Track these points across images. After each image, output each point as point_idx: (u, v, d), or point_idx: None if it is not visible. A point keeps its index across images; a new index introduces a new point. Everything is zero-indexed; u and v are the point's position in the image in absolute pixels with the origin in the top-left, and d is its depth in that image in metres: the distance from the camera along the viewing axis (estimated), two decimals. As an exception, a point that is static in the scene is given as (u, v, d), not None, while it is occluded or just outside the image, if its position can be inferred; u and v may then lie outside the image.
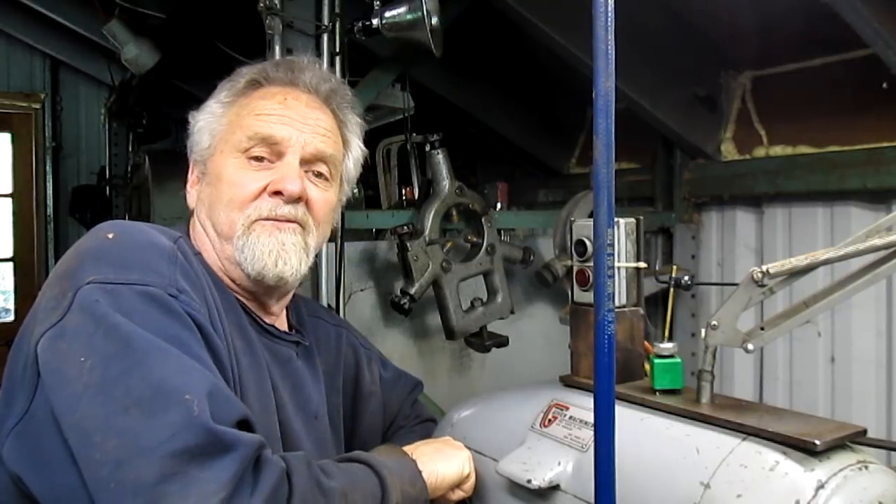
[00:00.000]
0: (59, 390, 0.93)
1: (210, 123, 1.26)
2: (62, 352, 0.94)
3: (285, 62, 1.34)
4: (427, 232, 2.19)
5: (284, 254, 1.20)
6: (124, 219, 4.52)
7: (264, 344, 1.24)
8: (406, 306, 2.14)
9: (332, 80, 1.33)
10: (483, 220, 2.34)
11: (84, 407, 0.91)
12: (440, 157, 2.28)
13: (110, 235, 1.06)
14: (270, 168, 1.21)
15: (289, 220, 1.21)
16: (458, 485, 1.30)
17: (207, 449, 0.90)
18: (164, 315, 0.99)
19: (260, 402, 1.15)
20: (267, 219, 1.20)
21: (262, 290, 1.25)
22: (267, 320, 1.28)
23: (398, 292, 2.17)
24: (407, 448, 1.29)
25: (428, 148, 2.29)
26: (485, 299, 2.35)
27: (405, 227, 2.15)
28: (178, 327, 0.99)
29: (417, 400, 1.61)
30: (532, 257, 2.48)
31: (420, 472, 1.20)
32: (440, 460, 1.27)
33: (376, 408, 1.50)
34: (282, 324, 1.35)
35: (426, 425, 1.54)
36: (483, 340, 2.33)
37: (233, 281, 1.24)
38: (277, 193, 1.20)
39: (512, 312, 2.39)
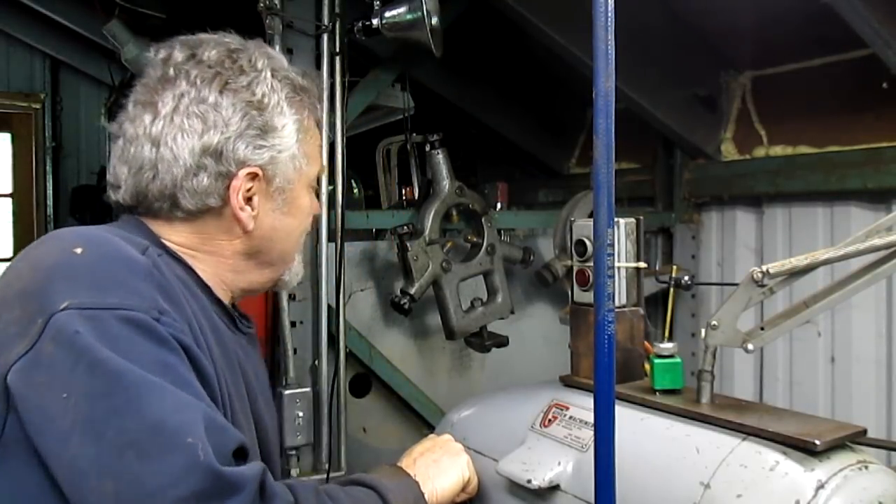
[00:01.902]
0: (44, 429, 0.86)
1: (292, 149, 1.17)
2: (40, 386, 0.86)
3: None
4: (427, 232, 2.19)
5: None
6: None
7: (232, 339, 1.19)
8: (406, 306, 2.14)
9: None
10: (483, 220, 2.33)
11: (74, 447, 0.84)
12: (440, 157, 2.27)
13: (78, 250, 0.95)
14: None
15: None
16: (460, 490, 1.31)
17: (214, 493, 0.86)
18: (150, 342, 0.91)
19: (241, 410, 1.12)
20: None
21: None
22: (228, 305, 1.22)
23: (398, 292, 2.17)
24: (405, 462, 1.29)
25: (428, 148, 2.29)
26: (485, 299, 2.35)
27: (405, 227, 2.15)
28: (166, 353, 0.92)
29: None
30: (532, 257, 2.48)
31: (423, 494, 1.20)
32: (438, 476, 1.26)
33: None
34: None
35: None
36: (483, 340, 2.32)
37: (225, 289, 1.19)
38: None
39: (512, 312, 2.39)
